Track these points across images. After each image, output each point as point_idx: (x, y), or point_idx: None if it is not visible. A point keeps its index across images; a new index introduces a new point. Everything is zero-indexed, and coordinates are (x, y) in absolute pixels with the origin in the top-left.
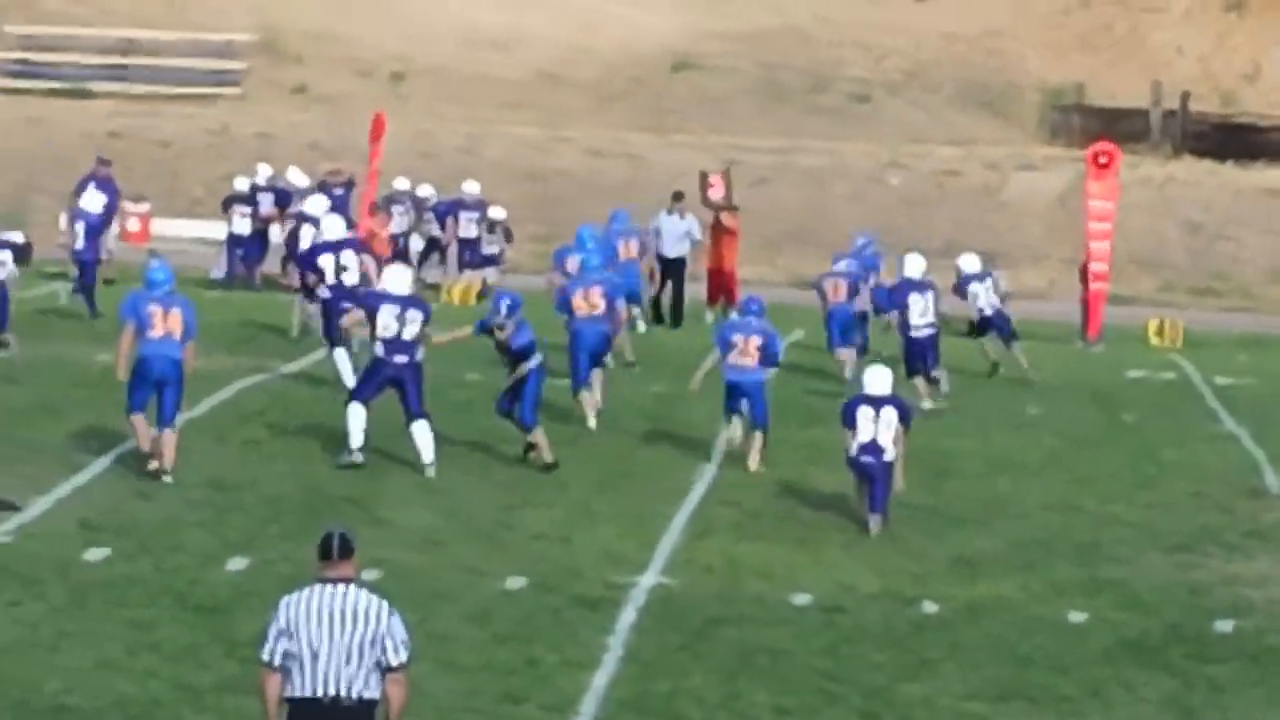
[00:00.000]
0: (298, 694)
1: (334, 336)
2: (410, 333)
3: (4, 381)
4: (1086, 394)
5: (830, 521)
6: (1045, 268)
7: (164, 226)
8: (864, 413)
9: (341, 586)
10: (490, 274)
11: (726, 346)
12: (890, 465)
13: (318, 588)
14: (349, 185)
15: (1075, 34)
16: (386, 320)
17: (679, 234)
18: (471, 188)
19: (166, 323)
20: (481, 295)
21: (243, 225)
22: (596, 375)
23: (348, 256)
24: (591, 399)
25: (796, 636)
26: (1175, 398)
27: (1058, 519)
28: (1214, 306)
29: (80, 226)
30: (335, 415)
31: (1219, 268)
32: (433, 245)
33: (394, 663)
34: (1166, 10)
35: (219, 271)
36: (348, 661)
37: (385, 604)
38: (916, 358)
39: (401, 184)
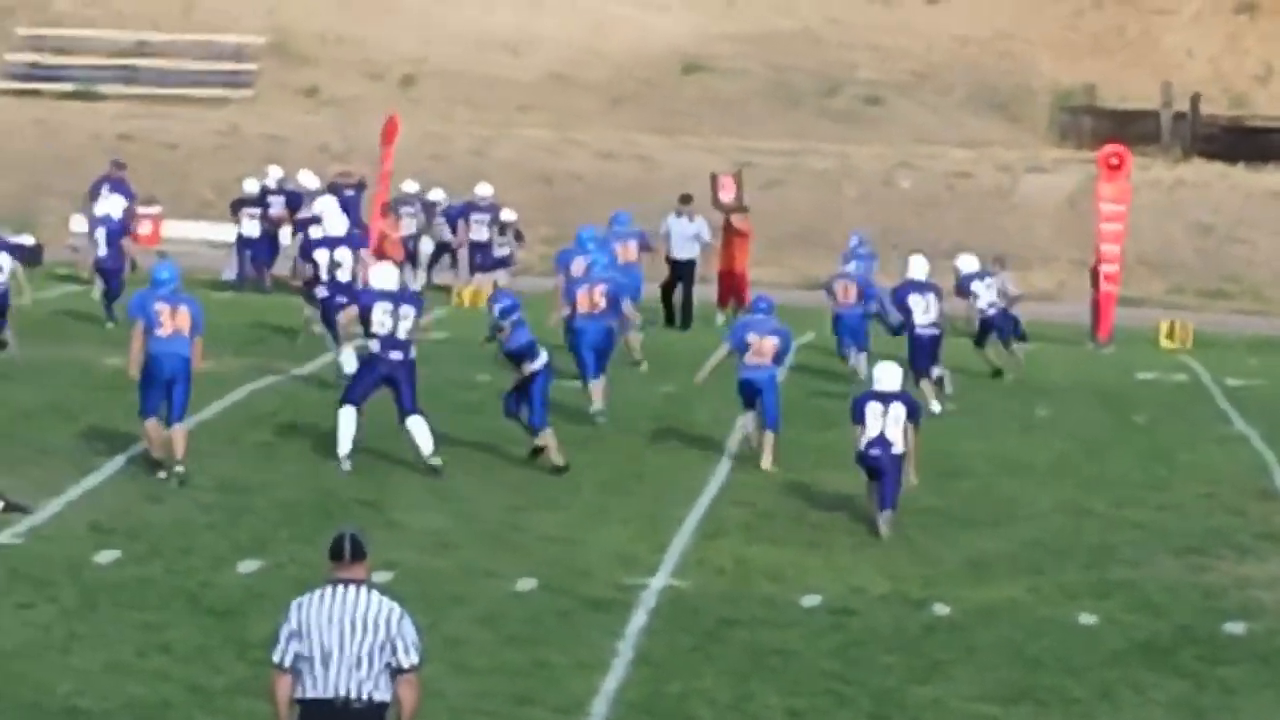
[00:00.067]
0: (308, 695)
1: (337, 334)
2: (404, 329)
3: (14, 383)
4: (1097, 396)
5: (841, 524)
6: (1055, 269)
7: (173, 229)
8: (873, 408)
9: (353, 589)
10: (501, 276)
11: (742, 346)
12: (899, 459)
13: (329, 589)
14: (359, 187)
15: (1086, 36)
16: (380, 316)
17: (688, 236)
18: (484, 190)
19: (175, 320)
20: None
21: (252, 228)
22: (598, 383)
23: (343, 253)
24: (599, 387)
25: (807, 638)
26: (1186, 399)
27: (1068, 521)
28: (1224, 309)
29: (101, 233)
30: None
31: (1229, 270)
32: (443, 249)
33: (405, 665)
34: (1177, 12)
35: (231, 273)
36: (358, 665)
37: (396, 607)
38: (920, 358)
39: (410, 187)
